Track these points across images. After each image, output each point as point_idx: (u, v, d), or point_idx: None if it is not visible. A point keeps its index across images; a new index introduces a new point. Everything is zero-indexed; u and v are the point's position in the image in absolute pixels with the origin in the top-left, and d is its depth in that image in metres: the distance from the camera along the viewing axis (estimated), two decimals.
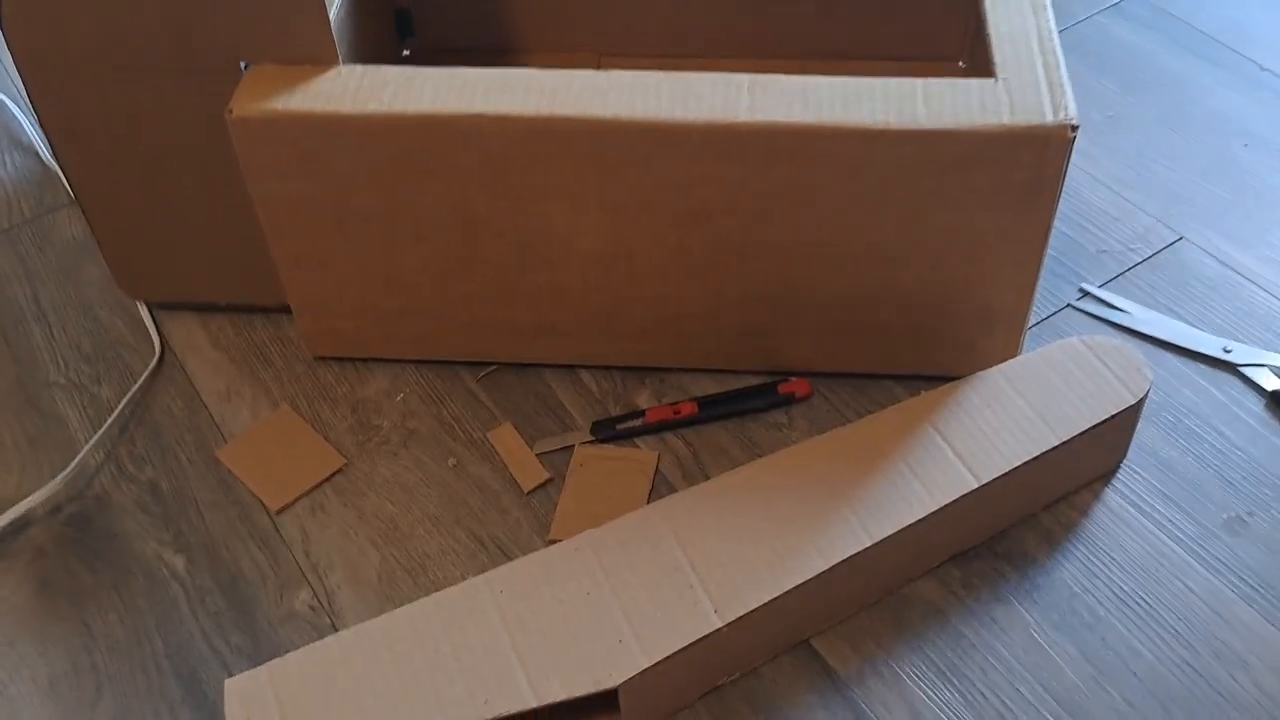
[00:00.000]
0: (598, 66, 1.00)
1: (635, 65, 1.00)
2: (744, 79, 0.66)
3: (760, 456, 0.71)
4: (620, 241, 0.70)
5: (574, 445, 0.75)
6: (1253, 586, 0.66)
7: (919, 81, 0.65)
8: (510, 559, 0.68)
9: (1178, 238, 0.86)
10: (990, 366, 0.72)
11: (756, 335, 0.76)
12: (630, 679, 0.58)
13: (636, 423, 0.75)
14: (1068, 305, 0.82)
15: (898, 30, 0.93)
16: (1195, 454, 0.72)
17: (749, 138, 0.64)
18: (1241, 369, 0.76)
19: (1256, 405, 0.75)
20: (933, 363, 0.75)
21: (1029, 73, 0.65)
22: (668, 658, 0.59)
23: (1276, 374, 0.75)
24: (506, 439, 0.76)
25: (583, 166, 0.66)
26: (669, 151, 0.65)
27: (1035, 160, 0.64)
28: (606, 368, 0.79)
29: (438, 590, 0.63)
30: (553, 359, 0.79)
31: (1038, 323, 0.81)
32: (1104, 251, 0.85)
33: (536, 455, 0.74)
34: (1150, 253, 0.85)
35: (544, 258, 0.71)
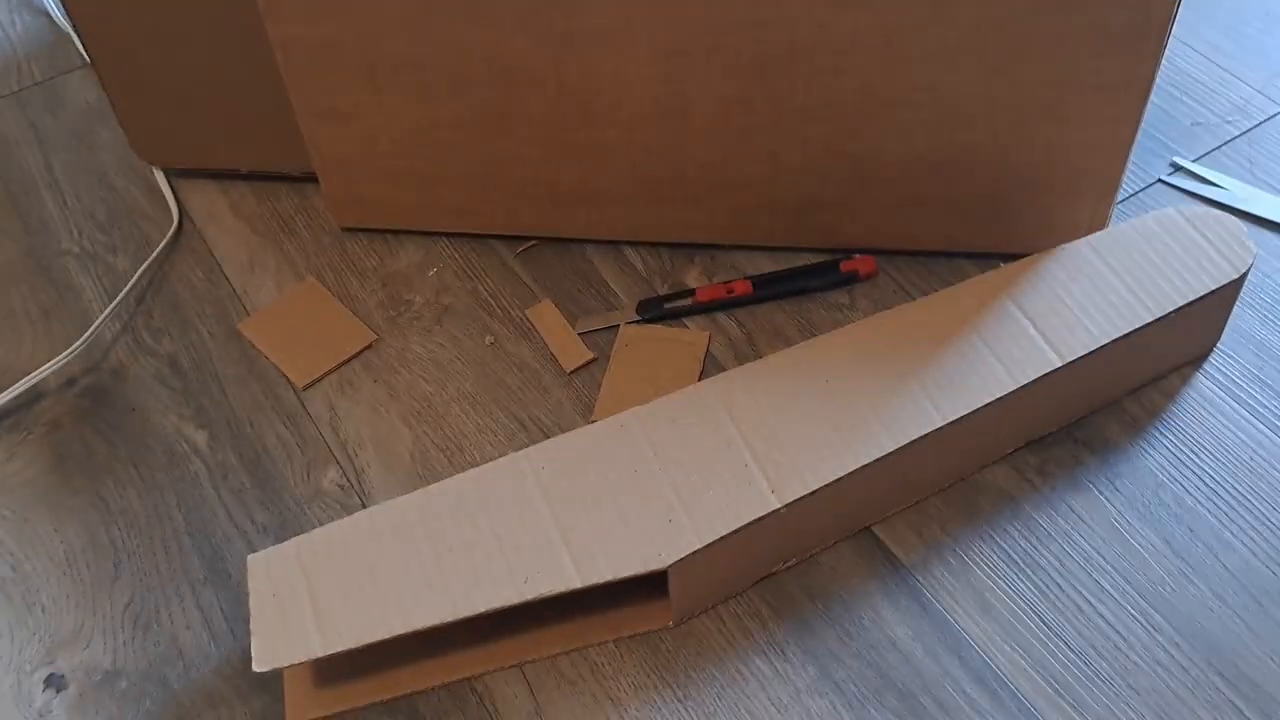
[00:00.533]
0: None
1: None
2: None
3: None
4: (673, 94, 0.64)
5: (619, 325, 0.70)
6: None
7: None
8: None
9: (1278, 110, 0.78)
10: (1076, 237, 0.66)
11: (817, 209, 0.70)
12: (681, 561, 0.54)
13: (686, 301, 0.70)
14: (1158, 180, 0.75)
15: None
16: None
17: None
18: None
19: None
20: (1011, 238, 0.69)
21: None
22: (721, 539, 0.54)
23: None
24: (547, 316, 0.71)
25: (634, 3, 0.60)
26: None
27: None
28: (654, 244, 0.74)
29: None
30: (596, 233, 0.74)
31: (1126, 198, 0.74)
32: (1198, 124, 0.78)
33: (579, 334, 0.69)
34: (1249, 126, 0.78)
35: (590, 112, 0.65)
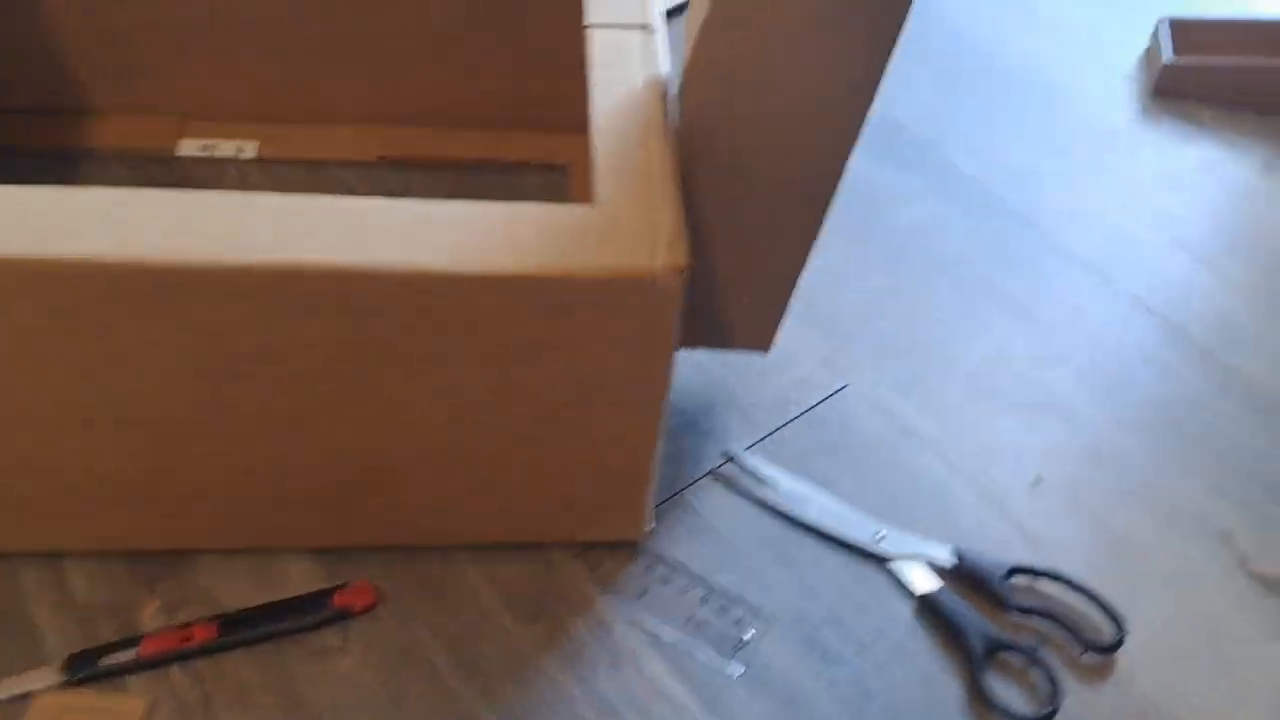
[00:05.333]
0: (182, 132, 0.82)
1: (226, 131, 0.83)
2: (272, 202, 0.49)
3: (298, 695, 0.54)
4: (116, 402, 0.52)
5: (36, 690, 0.56)
6: None
7: (502, 208, 0.50)
8: None
9: (843, 385, 0.74)
10: (620, 536, 0.59)
11: (318, 511, 0.59)
12: None
13: (129, 655, 0.57)
14: (709, 473, 0.69)
15: (537, 95, 0.79)
16: (828, 679, 0.60)
17: (270, 281, 0.47)
18: (891, 564, 0.65)
19: (905, 610, 0.64)
20: (550, 532, 0.61)
21: (635, 194, 0.50)
22: None
23: (933, 567, 0.65)
24: None
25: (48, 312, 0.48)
26: (172, 295, 0.47)
27: (641, 307, 0.49)
28: (104, 554, 0.60)
29: None
30: (24, 545, 0.60)
31: (680, 490, 0.67)
32: (758, 403, 0.72)
33: None
34: (811, 404, 0.72)
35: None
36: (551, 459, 0.56)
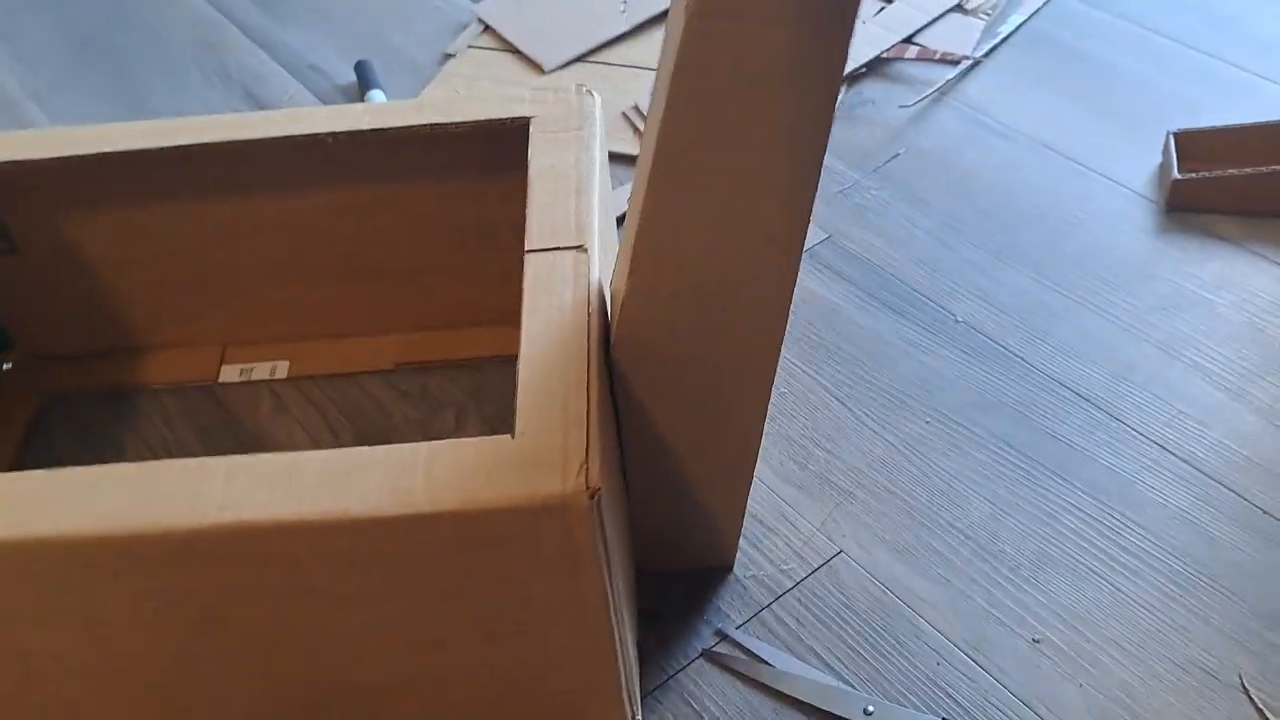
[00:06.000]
0: (222, 359, 0.90)
1: (260, 354, 0.91)
2: (221, 465, 0.55)
3: None
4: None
5: None
6: None
7: (425, 448, 0.54)
8: None
9: (836, 551, 0.74)
10: None
11: None
12: None
13: None
14: (702, 654, 0.70)
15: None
16: None
17: (216, 540, 0.52)
18: None
19: None
20: None
21: (553, 421, 0.54)
22: None
23: None
24: None
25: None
26: (137, 560, 0.53)
27: (558, 531, 0.52)
28: None
29: None
30: None
31: (673, 675, 0.68)
32: (753, 575, 0.73)
33: None
34: (804, 574, 0.73)
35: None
36: (504, 678, 0.58)
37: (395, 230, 0.83)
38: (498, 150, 0.76)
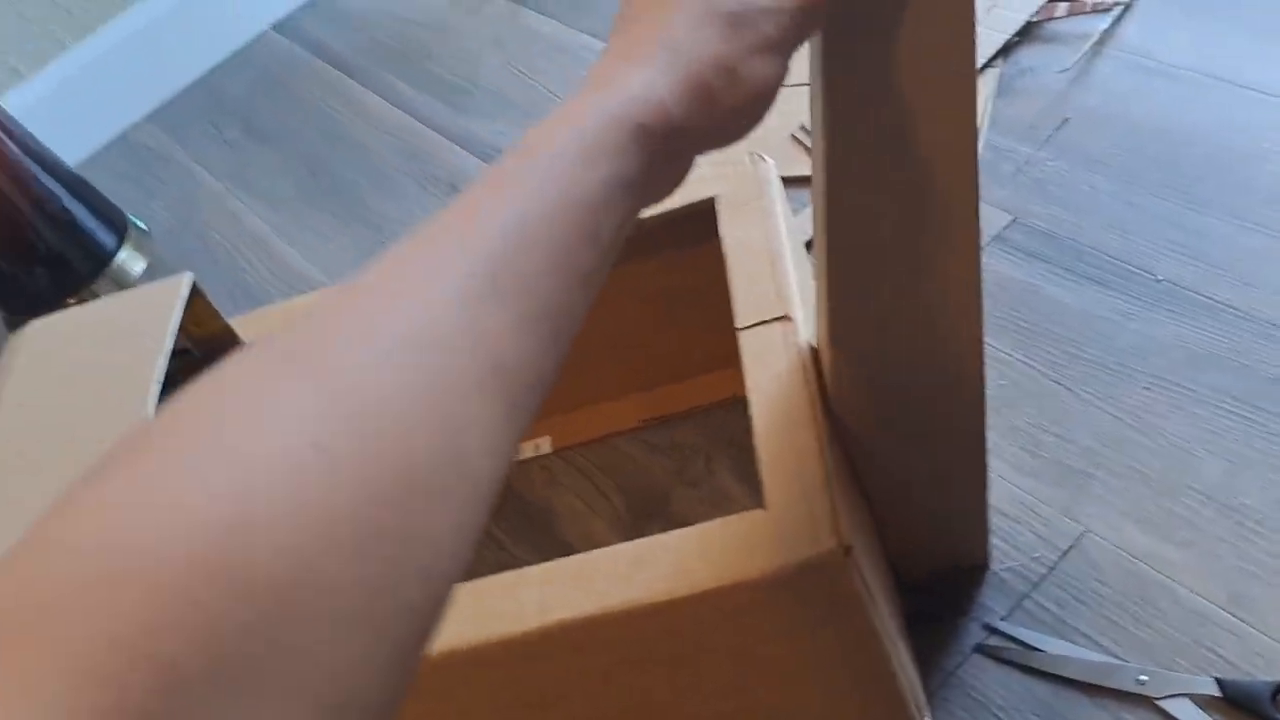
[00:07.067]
0: None
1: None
2: (535, 574, 0.66)
3: None
4: None
5: None
6: None
7: (694, 531, 0.63)
8: None
9: (1082, 531, 0.79)
10: None
11: None
12: None
13: None
14: (975, 649, 0.76)
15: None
16: None
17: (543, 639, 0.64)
18: (1158, 702, 0.69)
19: None
20: None
21: (792, 486, 0.62)
22: None
23: (1197, 703, 0.68)
24: None
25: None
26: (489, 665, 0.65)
27: (824, 585, 0.60)
28: None
29: None
30: None
31: (951, 673, 0.75)
32: (1008, 568, 0.79)
33: None
34: (1056, 559, 0.78)
35: None
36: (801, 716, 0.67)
37: (618, 305, 0.93)
38: (691, 226, 0.85)
